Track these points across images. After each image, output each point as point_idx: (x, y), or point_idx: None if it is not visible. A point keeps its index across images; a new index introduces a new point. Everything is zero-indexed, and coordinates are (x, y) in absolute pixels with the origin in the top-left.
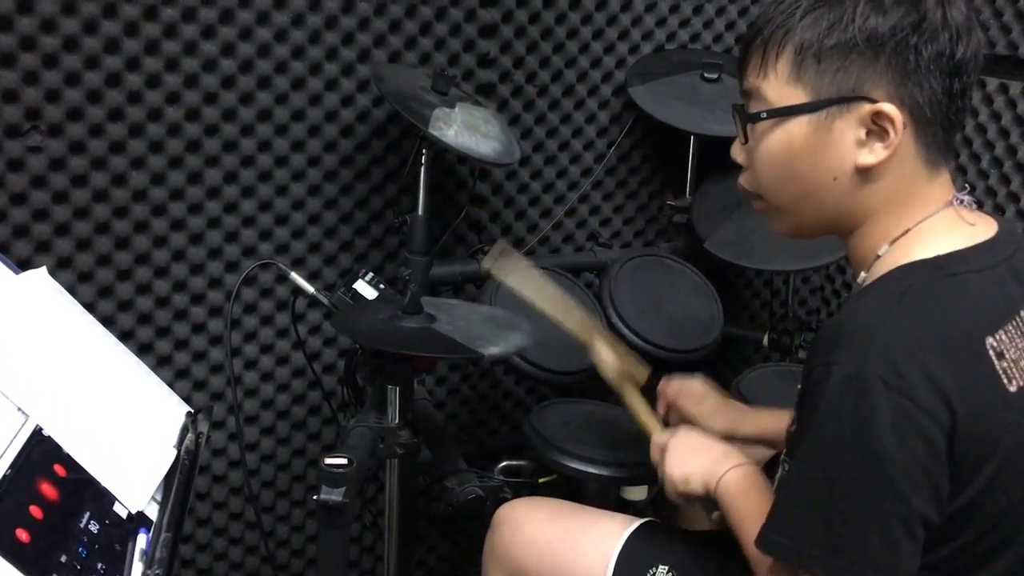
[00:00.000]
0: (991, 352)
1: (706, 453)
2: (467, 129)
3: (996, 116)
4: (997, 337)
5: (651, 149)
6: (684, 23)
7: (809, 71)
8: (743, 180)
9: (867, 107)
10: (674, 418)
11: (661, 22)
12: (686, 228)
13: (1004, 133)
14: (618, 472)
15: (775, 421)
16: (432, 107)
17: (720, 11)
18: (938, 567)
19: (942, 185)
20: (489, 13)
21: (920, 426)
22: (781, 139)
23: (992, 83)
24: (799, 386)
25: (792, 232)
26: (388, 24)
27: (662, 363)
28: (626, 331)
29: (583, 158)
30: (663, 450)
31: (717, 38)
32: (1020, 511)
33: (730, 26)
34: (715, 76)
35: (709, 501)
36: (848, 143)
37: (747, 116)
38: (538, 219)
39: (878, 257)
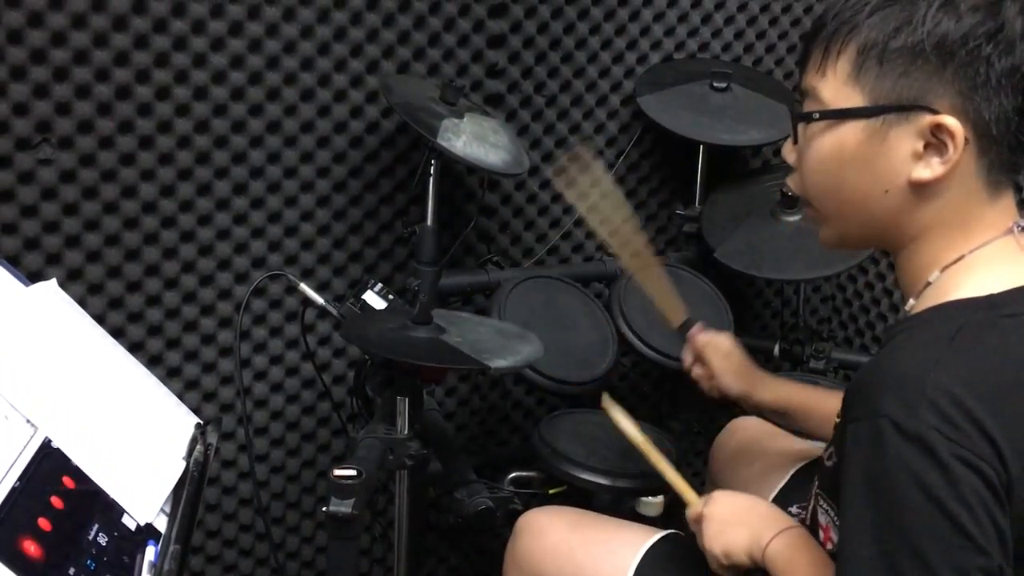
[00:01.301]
0: None
1: (745, 523)
2: (476, 139)
3: None
4: None
5: (660, 159)
6: (693, 32)
7: (869, 73)
8: (791, 181)
9: (928, 118)
10: (698, 369)
11: (670, 32)
12: (696, 238)
13: None
14: (628, 483)
15: (792, 392)
16: (441, 118)
17: (729, 20)
18: None
19: (1004, 210)
20: (497, 23)
21: (984, 476)
22: (832, 143)
23: None
24: (837, 419)
25: (835, 243)
26: (397, 35)
27: (672, 373)
28: (636, 341)
29: None
30: (699, 521)
31: (726, 47)
32: None
33: (739, 35)
34: (724, 85)
35: (759, 571)
36: (903, 155)
37: (799, 115)
38: (547, 229)
39: (928, 284)
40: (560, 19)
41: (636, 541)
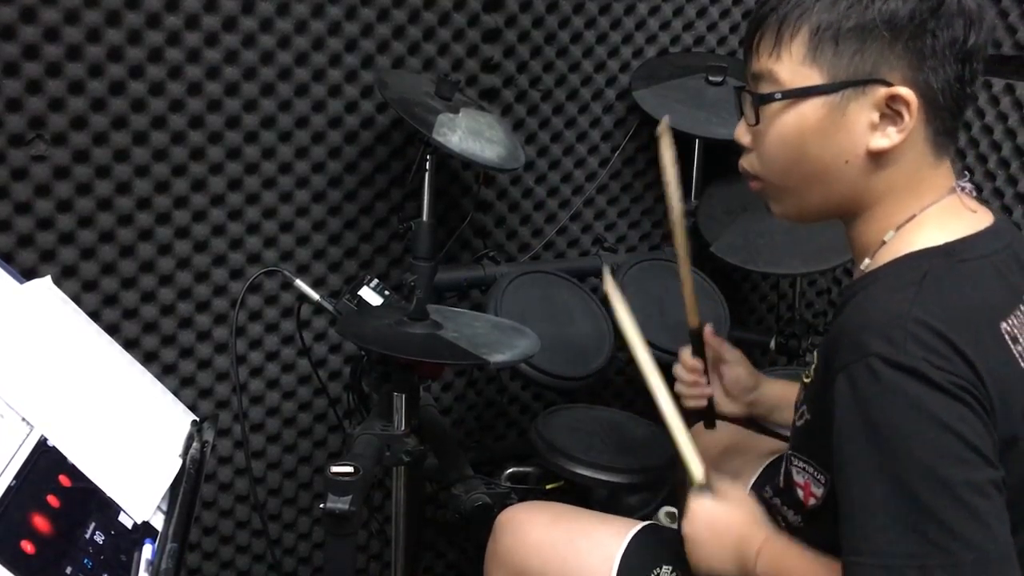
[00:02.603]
0: (1006, 336)
1: (725, 546)
2: (471, 134)
3: (1003, 117)
4: (1009, 322)
5: (656, 153)
6: (688, 26)
7: (826, 53)
8: (745, 162)
9: (883, 91)
10: (694, 375)
11: (665, 25)
12: (692, 232)
13: (1011, 134)
14: (625, 478)
15: (786, 387)
16: (436, 113)
17: (724, 14)
18: None
19: (946, 172)
20: (492, 18)
21: (976, 398)
22: (794, 121)
23: (998, 84)
24: (805, 379)
25: (794, 215)
26: (391, 30)
27: (668, 368)
28: None
29: (587, 162)
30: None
31: (721, 41)
32: None
33: (734, 29)
34: (719, 79)
35: None
36: (861, 126)
37: (760, 97)
38: (543, 224)
39: (883, 243)
40: (555, 13)
41: (620, 531)
